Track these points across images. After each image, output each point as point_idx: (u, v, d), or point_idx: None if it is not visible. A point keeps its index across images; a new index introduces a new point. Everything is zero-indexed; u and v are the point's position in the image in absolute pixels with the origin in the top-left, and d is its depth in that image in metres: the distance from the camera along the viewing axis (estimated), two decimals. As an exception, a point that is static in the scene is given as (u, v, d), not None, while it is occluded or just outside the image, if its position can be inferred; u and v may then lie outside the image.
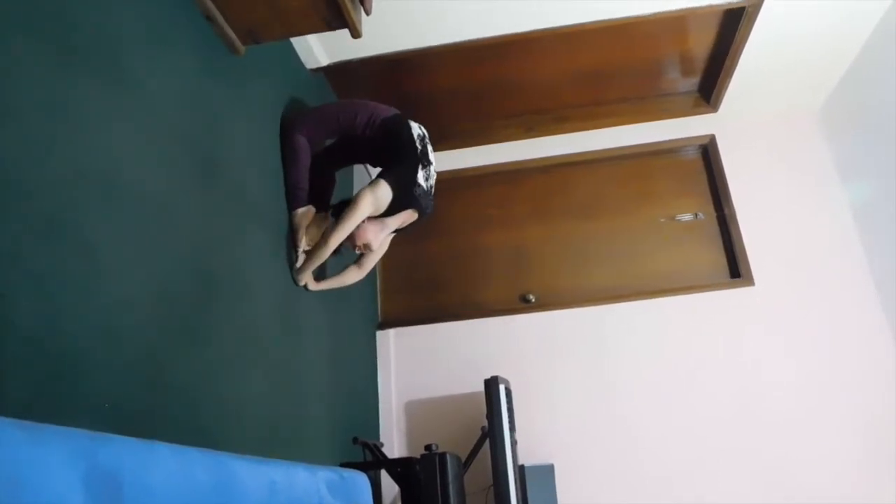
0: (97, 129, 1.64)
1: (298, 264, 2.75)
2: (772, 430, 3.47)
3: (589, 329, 3.80)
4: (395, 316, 4.06)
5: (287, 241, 2.74)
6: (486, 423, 3.17)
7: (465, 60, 3.53)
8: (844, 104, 3.83)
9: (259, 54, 2.61)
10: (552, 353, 3.77)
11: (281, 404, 2.47)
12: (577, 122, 4.14)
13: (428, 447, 2.93)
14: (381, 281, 4.16)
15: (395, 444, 3.71)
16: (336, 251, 2.71)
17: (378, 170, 2.85)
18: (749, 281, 3.77)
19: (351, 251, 2.94)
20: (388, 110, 2.90)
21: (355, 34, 2.47)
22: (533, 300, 3.96)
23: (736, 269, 3.85)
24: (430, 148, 2.89)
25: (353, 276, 3.05)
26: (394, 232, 2.93)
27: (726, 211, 3.95)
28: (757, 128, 4.08)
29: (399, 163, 2.78)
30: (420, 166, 2.77)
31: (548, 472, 3.30)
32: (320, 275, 2.98)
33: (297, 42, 3.20)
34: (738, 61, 3.59)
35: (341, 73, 3.49)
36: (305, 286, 2.82)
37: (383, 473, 3.31)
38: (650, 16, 3.23)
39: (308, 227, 2.78)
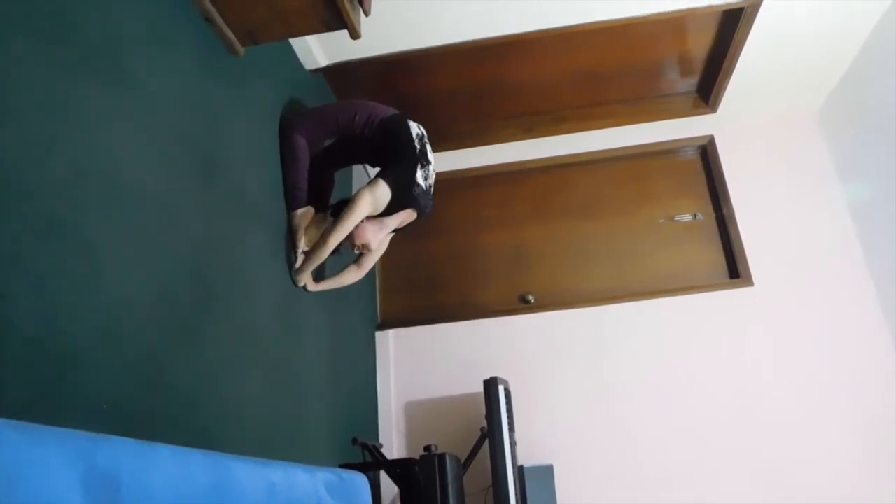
0: (97, 129, 1.64)
1: (297, 265, 2.75)
2: (771, 431, 3.47)
3: (588, 329, 3.80)
4: (394, 316, 4.06)
5: (286, 242, 2.74)
6: (485, 423, 3.16)
7: (465, 61, 3.54)
8: (844, 104, 3.83)
9: (258, 55, 2.61)
10: (552, 353, 3.77)
11: (280, 405, 2.47)
12: (577, 123, 4.14)
13: (427, 448, 2.93)
14: (380, 281, 4.16)
15: (394, 445, 3.70)
16: (335, 251, 2.71)
17: (377, 170, 2.85)
18: (748, 281, 3.77)
19: (350, 251, 2.94)
20: (386, 110, 2.90)
21: (354, 35, 2.47)
22: (532, 301, 3.96)
23: (735, 270, 3.85)
24: (429, 147, 2.89)
25: (352, 275, 3.05)
26: (393, 231, 2.93)
27: (725, 211, 3.95)
28: (756, 128, 4.09)
29: (398, 162, 2.78)
30: (419, 166, 2.77)
31: (547, 472, 3.30)
32: (319, 275, 2.98)
33: (297, 43, 3.20)
34: (736, 62, 3.59)
35: (340, 74, 3.49)
36: (305, 287, 2.82)
37: (382, 474, 3.32)
38: (649, 16, 3.23)
39: (307, 227, 2.78)
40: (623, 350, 3.73)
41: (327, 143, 3.07)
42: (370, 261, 3.05)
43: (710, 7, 3.19)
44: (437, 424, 3.67)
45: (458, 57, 3.46)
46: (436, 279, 4.14)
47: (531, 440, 3.48)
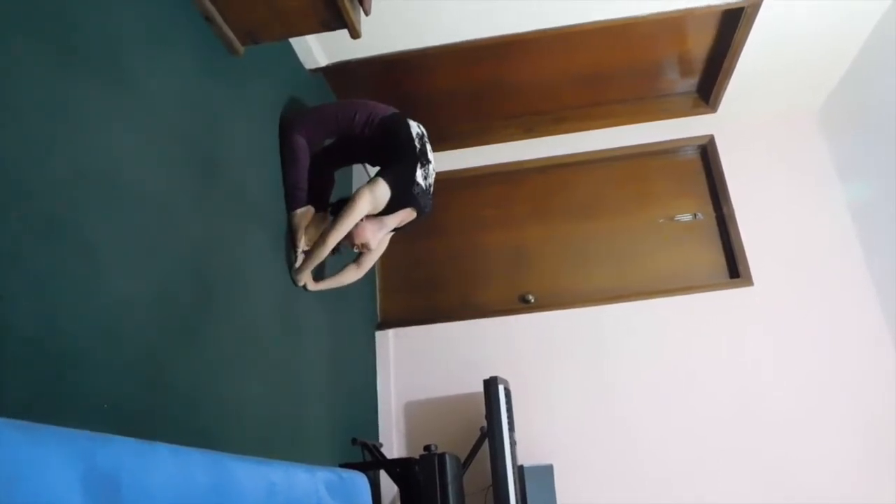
0: (97, 129, 1.64)
1: (297, 264, 2.75)
2: (771, 431, 3.47)
3: (588, 329, 3.80)
4: (394, 316, 4.06)
5: (286, 242, 2.74)
6: (485, 423, 3.16)
7: (464, 61, 3.54)
8: (844, 104, 3.83)
9: (258, 55, 2.61)
10: (551, 353, 3.77)
11: (280, 404, 2.47)
12: (576, 123, 4.14)
13: (427, 447, 2.93)
14: (380, 281, 4.16)
15: (394, 445, 3.70)
16: (335, 250, 2.71)
17: (377, 169, 2.85)
18: (748, 281, 3.77)
19: (350, 250, 2.94)
20: (386, 109, 2.90)
21: (354, 35, 2.47)
22: (532, 300, 3.96)
23: (735, 270, 3.85)
24: (429, 147, 2.89)
25: (351, 275, 3.05)
26: (392, 231, 2.93)
27: (725, 211, 3.95)
28: (756, 128, 4.09)
29: (398, 161, 2.78)
30: (419, 165, 2.77)
31: (547, 472, 3.30)
32: (319, 274, 2.98)
33: (297, 42, 3.20)
34: (736, 62, 3.59)
35: (340, 74, 3.49)
36: (304, 286, 2.82)
37: (382, 474, 3.32)
38: (649, 16, 3.23)
39: (307, 227, 2.78)
40: (623, 350, 3.73)
41: (327, 142, 3.07)
42: (370, 260, 3.05)
43: (710, 7, 3.19)
44: (436, 424, 3.67)
45: (457, 57, 3.46)
46: (436, 279, 4.14)
47: (531, 440, 3.48)
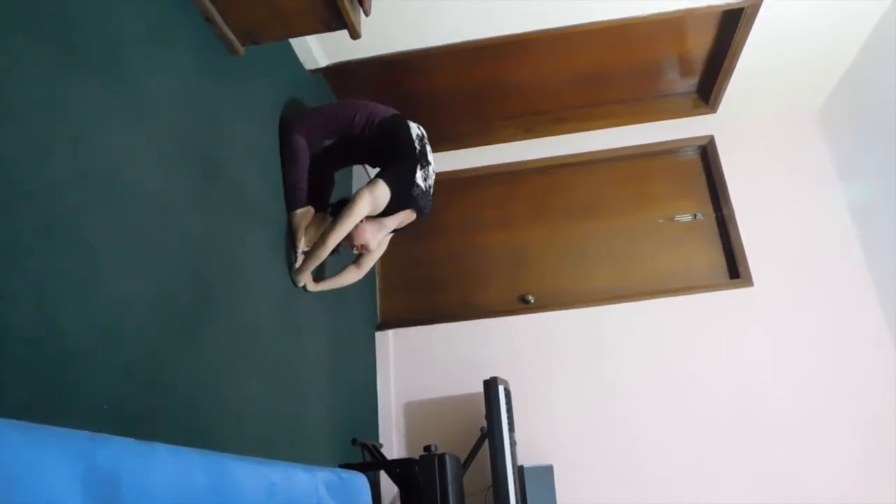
0: (97, 129, 1.64)
1: (297, 265, 2.75)
2: (771, 431, 3.47)
3: (588, 330, 3.80)
4: (394, 316, 4.06)
5: (286, 242, 2.74)
6: (485, 423, 3.16)
7: (464, 61, 3.54)
8: (844, 104, 3.83)
9: (258, 55, 2.61)
10: (551, 353, 3.77)
11: (280, 405, 2.47)
12: (576, 123, 4.14)
13: (427, 448, 2.93)
14: (379, 281, 4.16)
15: (394, 445, 3.70)
16: (334, 251, 2.71)
17: (377, 170, 2.85)
18: (748, 281, 3.77)
19: (349, 251, 2.94)
20: (386, 110, 2.90)
21: (354, 35, 2.47)
22: (532, 301, 3.96)
23: (735, 270, 3.85)
24: (428, 148, 2.89)
25: (351, 276, 3.05)
26: (392, 232, 2.93)
27: (725, 211, 3.95)
28: (756, 128, 4.09)
29: (397, 163, 2.77)
30: (419, 166, 2.77)
31: (547, 472, 3.30)
32: (319, 275, 2.98)
33: (297, 43, 3.20)
34: (736, 62, 3.59)
35: (340, 74, 3.49)
36: (304, 287, 2.82)
37: (382, 474, 3.32)
38: (649, 17, 3.23)
39: (307, 227, 2.78)
40: (623, 350, 3.72)
41: (327, 143, 3.07)
42: (370, 261, 3.05)
43: (710, 7, 3.19)
44: (436, 424, 3.67)
45: (457, 57, 3.46)
46: (435, 279, 4.14)
47: (531, 440, 3.48)
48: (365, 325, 3.84)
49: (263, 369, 2.37)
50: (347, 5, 2.33)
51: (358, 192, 2.66)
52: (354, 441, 3.18)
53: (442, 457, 2.85)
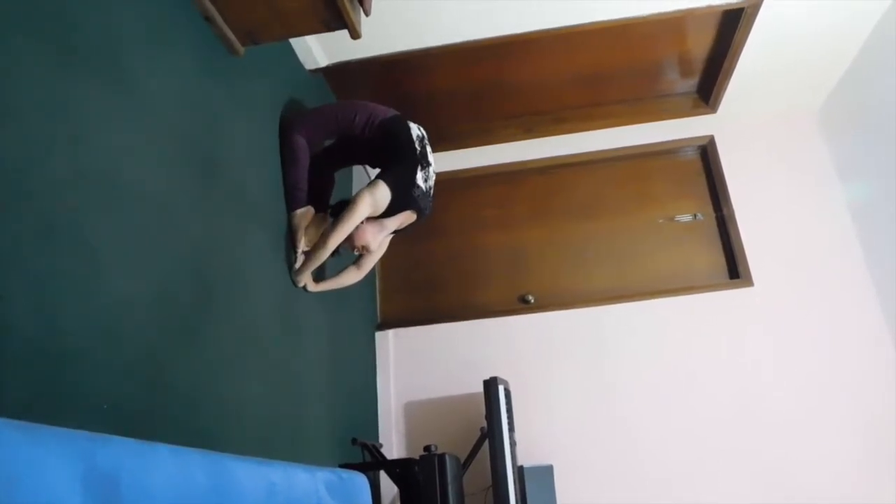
0: (97, 129, 1.64)
1: (297, 265, 2.75)
2: (771, 431, 3.47)
3: (588, 330, 3.80)
4: (394, 317, 4.06)
5: (286, 242, 2.74)
6: (485, 423, 3.16)
7: (464, 61, 3.54)
8: (844, 104, 3.83)
9: (258, 55, 2.61)
10: (551, 353, 3.77)
11: (280, 405, 2.47)
12: (576, 123, 4.14)
13: (427, 448, 2.93)
14: (380, 282, 4.16)
15: (394, 445, 3.70)
16: (335, 252, 2.71)
17: (377, 171, 2.85)
18: (748, 281, 3.77)
19: (350, 252, 2.94)
20: (386, 111, 2.90)
21: (354, 35, 2.47)
22: (532, 301, 3.96)
23: (735, 270, 3.85)
24: (429, 149, 2.89)
25: (351, 276, 3.05)
26: (392, 233, 2.93)
27: (725, 211, 3.95)
28: (756, 128, 4.08)
29: (398, 164, 2.77)
30: (419, 167, 2.77)
31: (547, 472, 3.30)
32: (319, 276, 2.98)
33: (297, 43, 3.20)
34: (736, 62, 3.59)
35: (340, 74, 3.49)
36: (304, 287, 2.82)
37: (382, 474, 3.31)
38: (649, 17, 3.23)
39: (307, 227, 2.78)
40: (623, 350, 3.72)
41: (327, 143, 3.07)
42: (370, 262, 3.05)
43: (710, 7, 3.19)
44: (436, 424, 3.67)
45: (458, 57, 3.46)
46: (435, 279, 4.14)
47: (531, 440, 3.48)
48: (365, 326, 3.84)
49: (263, 369, 2.37)
50: (347, 5, 2.33)
51: (358, 193, 2.66)
52: (354, 441, 3.18)
53: (442, 457, 2.85)
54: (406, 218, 2.84)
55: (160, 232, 1.84)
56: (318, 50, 3.32)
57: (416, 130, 2.86)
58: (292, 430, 2.56)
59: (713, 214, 4.04)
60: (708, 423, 3.53)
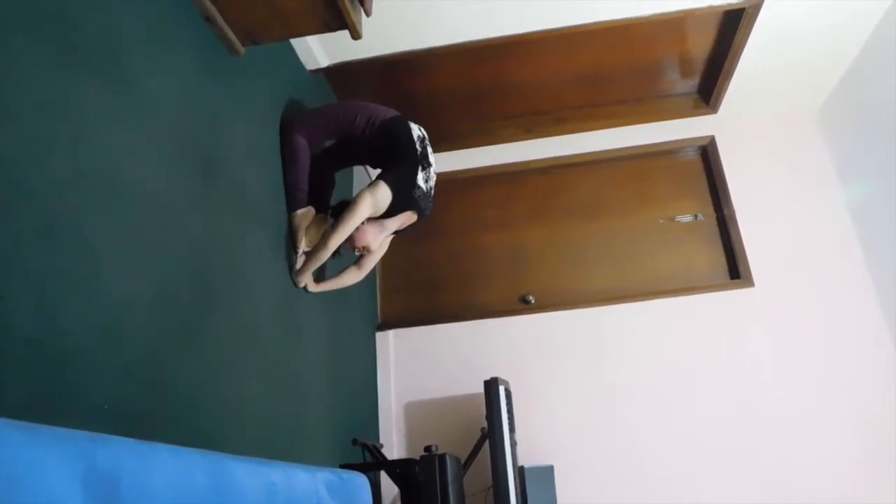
0: (97, 129, 1.64)
1: (298, 266, 2.75)
2: (772, 431, 3.47)
3: (589, 330, 3.80)
4: (394, 317, 4.06)
5: (287, 242, 2.74)
6: (485, 424, 3.16)
7: (465, 61, 3.54)
8: (844, 104, 3.83)
9: (259, 55, 2.61)
10: (552, 354, 3.77)
11: (280, 405, 2.47)
12: (577, 123, 4.14)
13: (427, 448, 2.93)
14: (380, 282, 4.16)
15: (394, 446, 3.70)
16: (335, 252, 2.71)
17: (378, 171, 2.84)
18: (749, 282, 3.77)
19: (350, 252, 2.94)
20: (387, 112, 2.90)
21: (355, 35, 2.47)
22: (532, 301, 3.96)
23: (736, 270, 3.85)
24: (429, 149, 2.89)
25: (352, 277, 3.05)
26: (393, 233, 2.93)
27: (726, 212, 3.95)
28: (756, 129, 4.08)
29: (398, 164, 2.77)
30: (420, 168, 2.77)
31: (547, 473, 3.30)
32: (320, 276, 2.98)
33: (297, 43, 3.20)
34: (737, 62, 3.59)
35: (341, 74, 3.49)
36: (305, 287, 2.82)
37: (383, 475, 3.31)
38: (649, 17, 3.23)
39: (308, 228, 2.78)
40: (623, 350, 3.72)
41: (328, 143, 3.07)
42: (370, 262, 3.05)
43: (711, 7, 3.19)
44: (437, 425, 3.67)
45: (458, 57, 3.46)
46: (436, 280, 4.13)
47: (531, 440, 3.48)
48: (365, 326, 3.84)
49: (264, 369, 2.36)
50: (348, 5, 2.33)
51: (359, 193, 2.66)
52: (355, 441, 3.18)
53: (442, 457, 2.85)
54: (407, 218, 2.84)
55: (160, 232, 1.84)
56: (319, 50, 3.32)
57: (416, 131, 2.86)
58: (292, 431, 2.56)
59: (714, 215, 4.03)
60: (708, 423, 3.53)
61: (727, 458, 3.45)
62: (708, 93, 3.98)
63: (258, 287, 2.43)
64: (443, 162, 3.85)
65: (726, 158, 4.04)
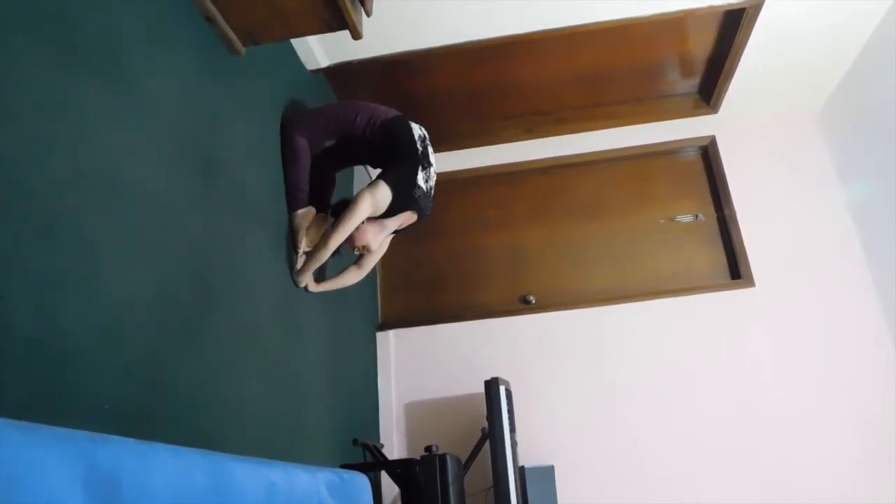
0: (97, 129, 1.64)
1: (298, 266, 2.75)
2: (772, 431, 3.47)
3: (589, 330, 3.80)
4: (394, 317, 4.06)
5: (287, 242, 2.74)
6: (486, 424, 3.16)
7: (465, 61, 3.54)
8: (844, 105, 3.83)
9: (259, 55, 2.61)
10: (552, 354, 3.77)
11: (281, 405, 2.47)
12: (577, 124, 4.14)
13: (428, 448, 2.93)
14: (380, 282, 4.16)
15: (395, 446, 3.70)
16: (335, 252, 2.71)
17: (378, 171, 2.84)
18: (749, 282, 3.77)
19: (350, 252, 2.94)
20: (387, 111, 2.90)
21: (356, 35, 2.47)
22: (533, 301, 3.96)
23: (736, 270, 3.85)
24: (430, 149, 2.89)
25: (352, 277, 3.05)
26: (393, 233, 2.93)
27: (726, 212, 3.95)
28: (757, 129, 4.08)
29: (399, 164, 2.77)
30: (420, 168, 2.77)
31: (548, 473, 3.30)
32: (320, 276, 2.98)
33: (298, 43, 3.20)
34: (738, 62, 3.59)
35: (341, 75, 3.49)
36: (306, 287, 2.82)
37: (383, 475, 3.31)
38: (650, 17, 3.23)
39: (308, 228, 2.78)
40: (624, 350, 3.72)
41: (328, 143, 3.07)
42: (371, 262, 3.05)
43: (712, 7, 3.19)
44: (437, 425, 3.67)
45: (458, 57, 3.46)
46: (436, 280, 4.13)
47: (532, 441, 3.48)
48: (366, 326, 3.84)
49: (264, 369, 2.36)
50: (349, 5, 2.33)
51: (359, 193, 2.66)
52: (355, 441, 3.18)
53: (443, 457, 2.85)
54: (407, 218, 2.84)
55: (160, 232, 1.84)
56: (320, 50, 3.32)
57: (417, 131, 2.86)
58: (293, 431, 2.56)
59: (714, 215, 4.03)
60: (708, 423, 3.53)
61: (727, 458, 3.45)
62: (708, 93, 3.98)
63: (258, 287, 2.43)
64: (443, 162, 3.85)
65: (727, 158, 4.04)
